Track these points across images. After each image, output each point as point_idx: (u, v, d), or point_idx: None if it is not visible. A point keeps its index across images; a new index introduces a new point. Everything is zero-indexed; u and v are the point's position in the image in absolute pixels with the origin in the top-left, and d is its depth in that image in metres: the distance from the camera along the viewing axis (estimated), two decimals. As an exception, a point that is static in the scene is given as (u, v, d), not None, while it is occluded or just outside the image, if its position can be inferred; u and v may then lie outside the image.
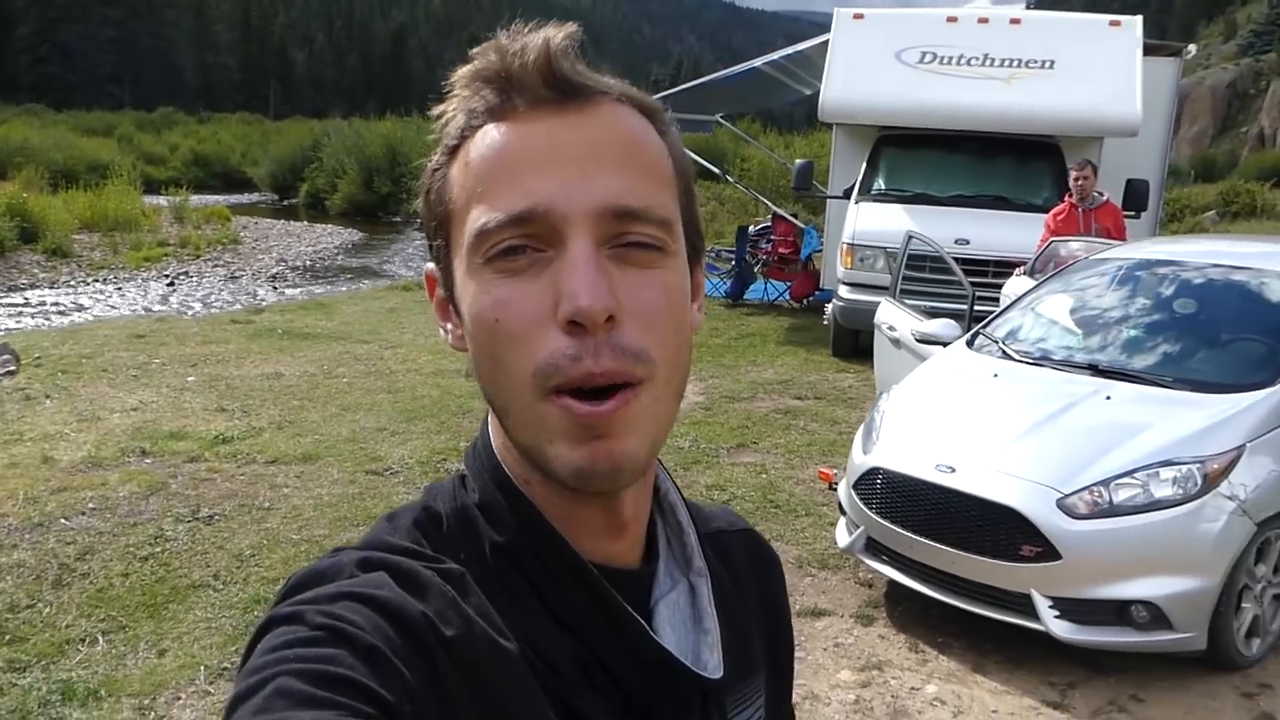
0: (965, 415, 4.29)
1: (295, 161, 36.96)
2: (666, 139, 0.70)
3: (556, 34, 0.66)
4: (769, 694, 0.84)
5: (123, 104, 66.47)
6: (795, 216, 13.48)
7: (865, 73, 8.89)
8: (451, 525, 0.70)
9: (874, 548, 4.23)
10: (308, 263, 20.50)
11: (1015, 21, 9.02)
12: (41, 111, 51.01)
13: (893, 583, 4.28)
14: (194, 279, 17.17)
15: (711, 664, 0.73)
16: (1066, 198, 7.26)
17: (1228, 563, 3.61)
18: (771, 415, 7.22)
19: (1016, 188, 8.83)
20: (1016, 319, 5.02)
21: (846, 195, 9.47)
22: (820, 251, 11.29)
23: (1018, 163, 9.03)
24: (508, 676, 0.63)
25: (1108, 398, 4.10)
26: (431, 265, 0.72)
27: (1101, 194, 7.23)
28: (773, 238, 12.30)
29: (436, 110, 0.69)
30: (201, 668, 3.70)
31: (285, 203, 36.54)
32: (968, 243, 8.13)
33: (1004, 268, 7.63)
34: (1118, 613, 3.64)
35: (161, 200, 25.25)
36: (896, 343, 5.91)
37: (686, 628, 0.74)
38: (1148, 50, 9.77)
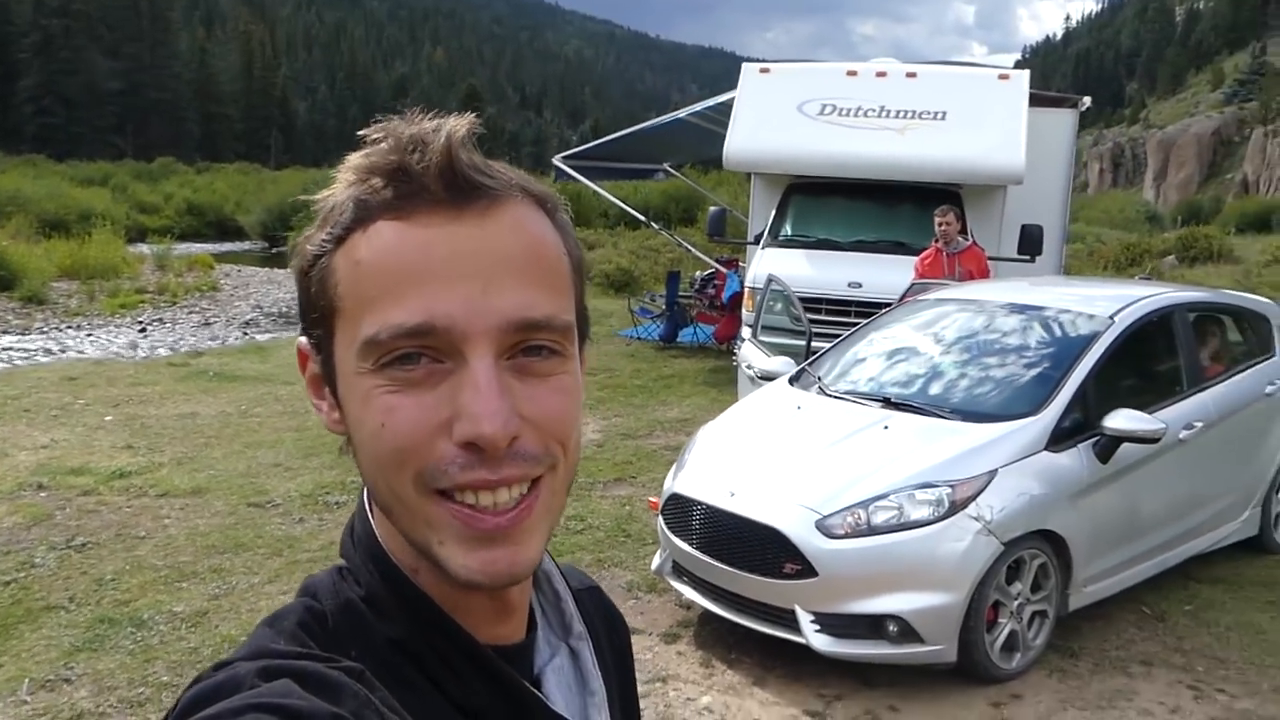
0: (760, 445, 4.60)
1: (285, 210, 37.58)
2: (561, 230, 0.70)
3: (458, 127, 0.64)
4: None
5: (125, 154, 67.54)
6: (736, 263, 13.86)
7: (767, 123, 9.30)
8: (338, 622, 0.68)
9: (678, 570, 4.52)
10: (284, 309, 20.86)
11: (912, 75, 9.44)
12: (41, 162, 51.86)
13: (703, 603, 4.56)
14: (167, 325, 17.51)
15: None
16: (934, 242, 7.61)
17: (973, 579, 3.89)
18: (660, 451, 7.51)
19: (915, 233, 9.17)
20: (837, 356, 5.34)
21: (757, 241, 9.84)
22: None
23: (918, 209, 9.37)
24: None
25: (885, 427, 4.42)
26: (304, 340, 0.71)
27: (966, 239, 7.60)
28: (717, 283, 12.68)
29: (321, 193, 0.67)
30: (27, 680, 3.99)
31: (274, 250, 37.00)
32: (860, 286, 8.48)
33: (893, 309, 7.97)
34: (872, 626, 3.92)
35: (145, 248, 25.76)
36: (753, 380, 6.23)
37: (573, 692, 0.76)
38: (1046, 102, 10.21)
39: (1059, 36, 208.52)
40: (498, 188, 0.65)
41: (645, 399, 9.33)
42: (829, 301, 8.55)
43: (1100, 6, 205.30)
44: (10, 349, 14.14)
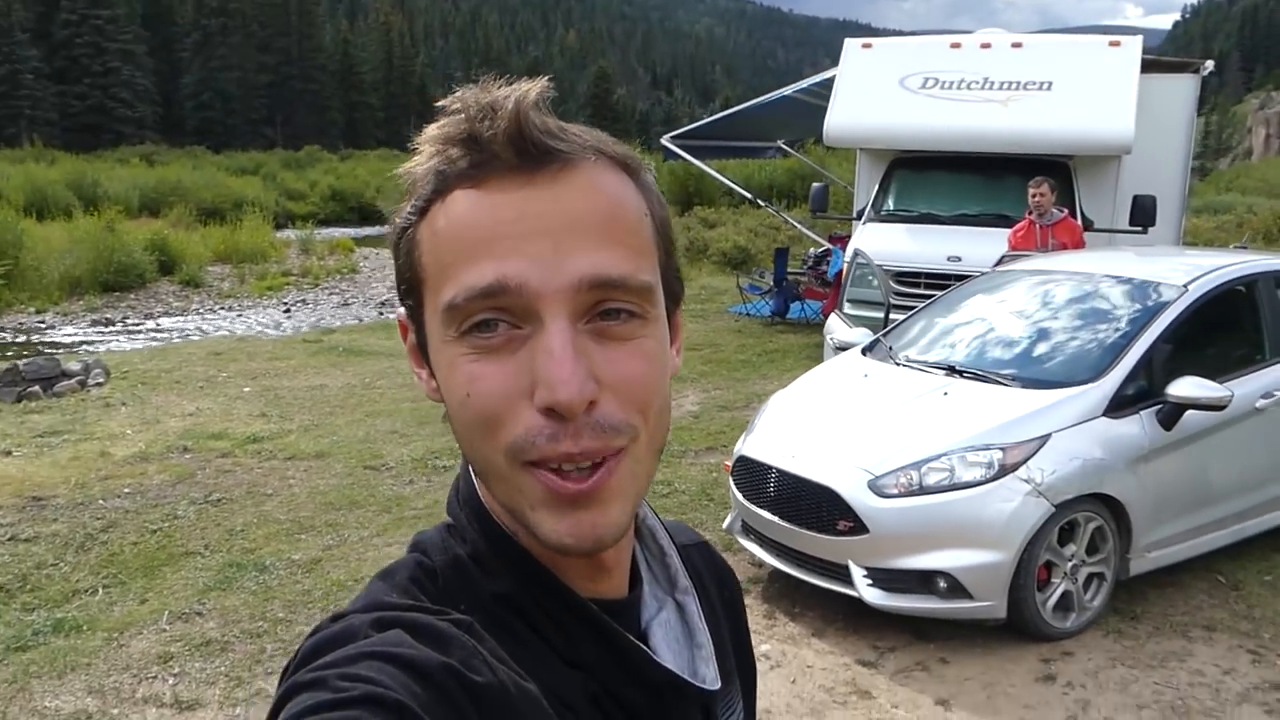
0: (824, 410, 4.80)
1: (422, 194, 38.89)
2: (645, 192, 0.69)
3: (528, 92, 0.65)
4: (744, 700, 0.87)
5: (275, 144, 71.18)
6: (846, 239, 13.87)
7: (868, 99, 9.35)
8: (447, 578, 0.71)
9: (746, 529, 4.78)
10: (416, 290, 21.84)
11: (1017, 45, 9.31)
12: (201, 154, 55.20)
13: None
14: (309, 305, 18.60)
15: (709, 677, 0.76)
16: (1027, 214, 7.56)
17: (1021, 539, 4.01)
18: (754, 422, 7.73)
19: (1019, 206, 9.06)
20: (910, 327, 5.47)
21: (860, 216, 9.91)
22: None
23: (1023, 181, 9.26)
24: (536, 717, 0.63)
25: (945, 393, 4.55)
26: (403, 311, 0.72)
27: (1061, 210, 7.51)
28: (829, 260, 12.76)
29: (404, 167, 0.68)
30: (166, 612, 4.56)
31: (411, 234, 38.38)
32: (960, 259, 8.47)
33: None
34: (921, 581, 4.09)
35: (291, 234, 27.22)
36: (836, 351, 6.39)
37: (680, 645, 0.77)
38: (1165, 67, 9.89)
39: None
40: (569, 150, 0.65)
41: (747, 373, 9.54)
42: (928, 275, 8.59)
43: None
44: (167, 329, 15.36)
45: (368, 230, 39.41)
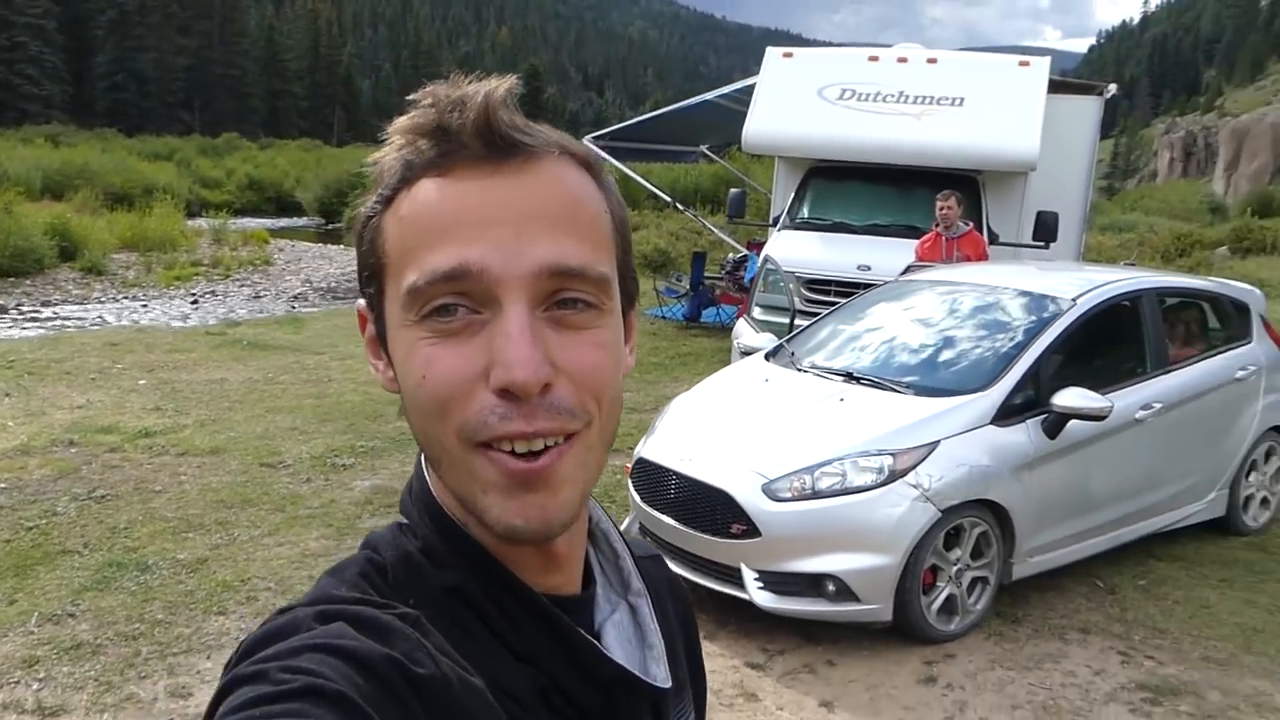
0: (723, 414, 4.82)
1: (342, 186, 38.29)
2: (605, 191, 0.72)
3: (497, 88, 0.66)
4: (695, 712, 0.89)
5: (192, 130, 69.23)
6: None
7: (786, 107, 9.45)
8: (397, 572, 0.71)
9: (644, 531, 4.77)
10: (332, 284, 21.41)
11: (932, 61, 9.51)
12: (112, 136, 53.41)
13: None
14: (219, 297, 18.12)
15: (660, 675, 0.76)
16: (934, 226, 7.73)
17: (908, 543, 4.08)
18: (662, 425, 7.75)
19: (930, 218, 9.27)
20: (814, 333, 5.53)
21: (776, 223, 10.00)
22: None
23: (935, 194, 9.48)
24: (479, 711, 0.63)
25: (841, 399, 4.61)
26: (362, 302, 0.74)
27: (966, 224, 7.70)
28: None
29: (372, 157, 0.70)
30: (36, 613, 4.37)
31: (330, 227, 37.71)
32: (869, 268, 8.60)
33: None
34: (811, 585, 4.14)
35: (203, 223, 26.50)
36: (743, 355, 6.43)
37: (633, 645, 0.77)
38: (1070, 89, 10.21)
39: (1135, 21, 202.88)
40: (535, 144, 0.67)
41: (659, 375, 9.56)
42: (839, 283, 8.70)
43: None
44: (65, 317, 14.79)
45: (285, 221, 38.68)
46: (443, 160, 0.66)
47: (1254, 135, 78.60)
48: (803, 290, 8.82)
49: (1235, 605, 4.75)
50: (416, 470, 0.76)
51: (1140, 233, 27.27)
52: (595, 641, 0.73)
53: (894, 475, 4.13)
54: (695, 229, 21.59)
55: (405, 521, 0.75)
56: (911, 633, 4.22)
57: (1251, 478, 5.60)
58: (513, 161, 0.66)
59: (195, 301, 17.24)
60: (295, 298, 18.75)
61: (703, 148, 16.34)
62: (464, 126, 0.65)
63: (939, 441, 4.25)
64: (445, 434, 0.66)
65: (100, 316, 14.97)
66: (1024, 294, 5.06)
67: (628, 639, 0.78)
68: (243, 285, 19.78)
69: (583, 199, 0.69)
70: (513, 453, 0.65)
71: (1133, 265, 13.08)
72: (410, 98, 0.68)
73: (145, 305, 16.46)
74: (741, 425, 4.63)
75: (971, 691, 3.91)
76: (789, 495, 4.17)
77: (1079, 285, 5.09)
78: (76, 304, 16.17)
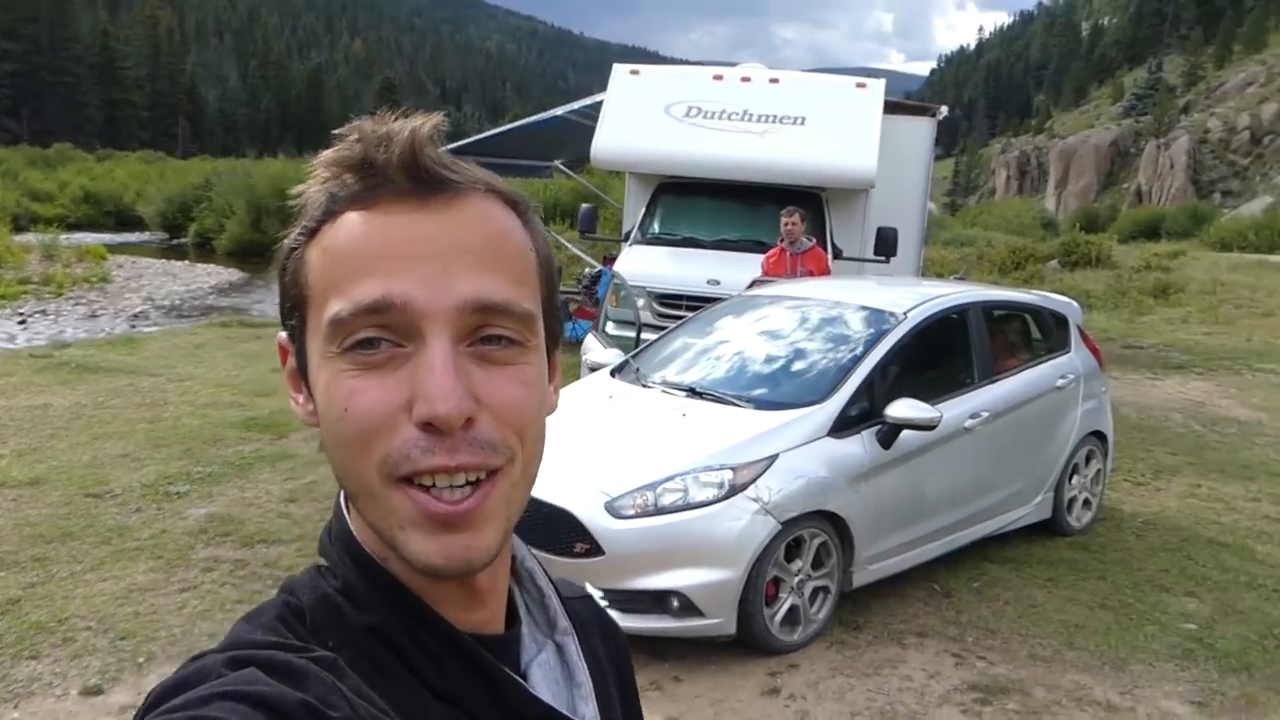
0: (566, 432, 4.78)
1: (186, 201, 36.75)
2: (530, 230, 0.71)
3: (423, 124, 0.66)
4: None
5: (20, 139, 65.21)
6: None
7: (634, 124, 9.54)
8: (315, 615, 0.69)
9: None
10: (176, 302, 20.52)
11: (774, 81, 9.77)
12: (-72, 146, 49.99)
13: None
14: (50, 317, 17.09)
15: (589, 714, 0.76)
16: (779, 242, 7.92)
17: (750, 556, 4.14)
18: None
19: (776, 233, 9.51)
20: (660, 349, 5.58)
21: (627, 238, 10.07)
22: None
23: (780, 210, 9.72)
24: None
25: (683, 415, 4.66)
26: (284, 334, 0.73)
27: (810, 239, 7.93)
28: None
29: (297, 189, 0.70)
30: None
31: (174, 242, 36.14)
32: (719, 283, 8.73)
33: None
34: (656, 601, 4.15)
35: (32, 238, 24.98)
36: (591, 371, 6.43)
37: (560, 685, 0.76)
38: (905, 110, 10.65)
39: (972, 47, 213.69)
40: (461, 181, 0.67)
41: (513, 392, 9.47)
42: (689, 298, 8.80)
43: (1012, 19, 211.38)
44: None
45: (126, 237, 36.81)
46: (368, 194, 0.66)
47: (1080, 155, 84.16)
48: (655, 305, 8.89)
49: (1060, 603, 5.01)
50: (336, 510, 0.75)
51: (979, 247, 28.62)
52: (520, 680, 0.72)
53: (734, 489, 4.19)
54: (554, 245, 21.58)
55: (324, 564, 0.74)
56: (756, 645, 4.28)
57: (1074, 480, 5.92)
58: (439, 197, 0.66)
59: (23, 321, 16.23)
60: (135, 316, 17.89)
61: (557, 163, 16.34)
62: (390, 161, 0.65)
63: (778, 455, 4.33)
64: (366, 468, 0.65)
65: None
66: (861, 308, 5.22)
67: (555, 679, 0.77)
68: (77, 304, 18.76)
69: (509, 236, 0.69)
70: (434, 487, 0.64)
71: (963, 279, 13.73)
72: (335, 132, 0.69)
73: (-37, 327, 15.40)
74: (584, 443, 4.61)
75: (813, 700, 3.99)
76: (632, 512, 4.17)
77: (912, 299, 5.28)
78: (-118, 326, 15.01)
